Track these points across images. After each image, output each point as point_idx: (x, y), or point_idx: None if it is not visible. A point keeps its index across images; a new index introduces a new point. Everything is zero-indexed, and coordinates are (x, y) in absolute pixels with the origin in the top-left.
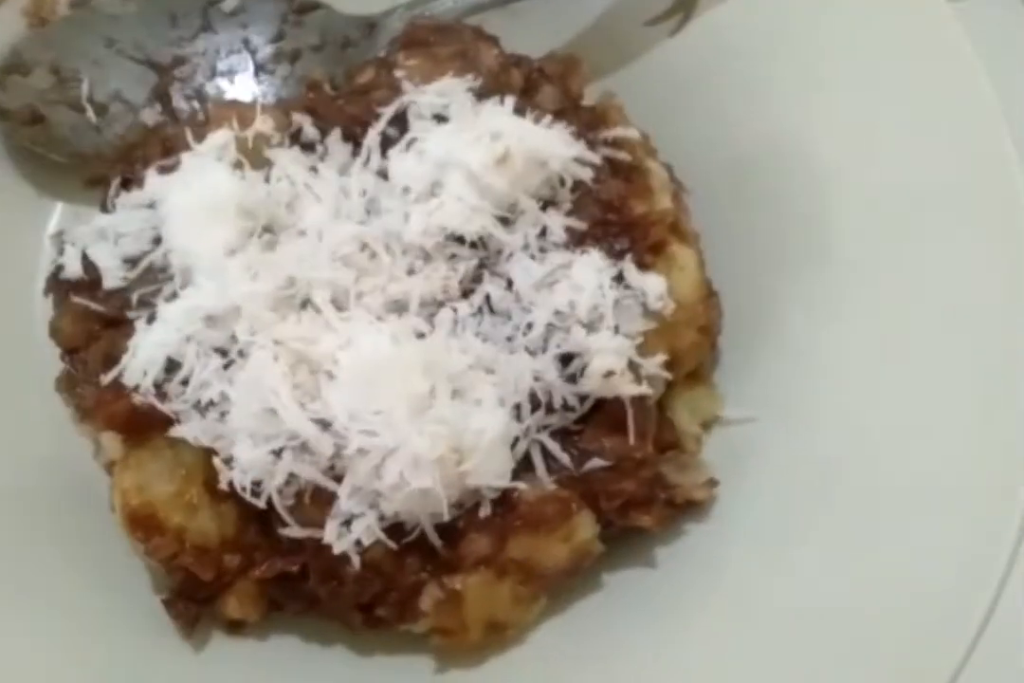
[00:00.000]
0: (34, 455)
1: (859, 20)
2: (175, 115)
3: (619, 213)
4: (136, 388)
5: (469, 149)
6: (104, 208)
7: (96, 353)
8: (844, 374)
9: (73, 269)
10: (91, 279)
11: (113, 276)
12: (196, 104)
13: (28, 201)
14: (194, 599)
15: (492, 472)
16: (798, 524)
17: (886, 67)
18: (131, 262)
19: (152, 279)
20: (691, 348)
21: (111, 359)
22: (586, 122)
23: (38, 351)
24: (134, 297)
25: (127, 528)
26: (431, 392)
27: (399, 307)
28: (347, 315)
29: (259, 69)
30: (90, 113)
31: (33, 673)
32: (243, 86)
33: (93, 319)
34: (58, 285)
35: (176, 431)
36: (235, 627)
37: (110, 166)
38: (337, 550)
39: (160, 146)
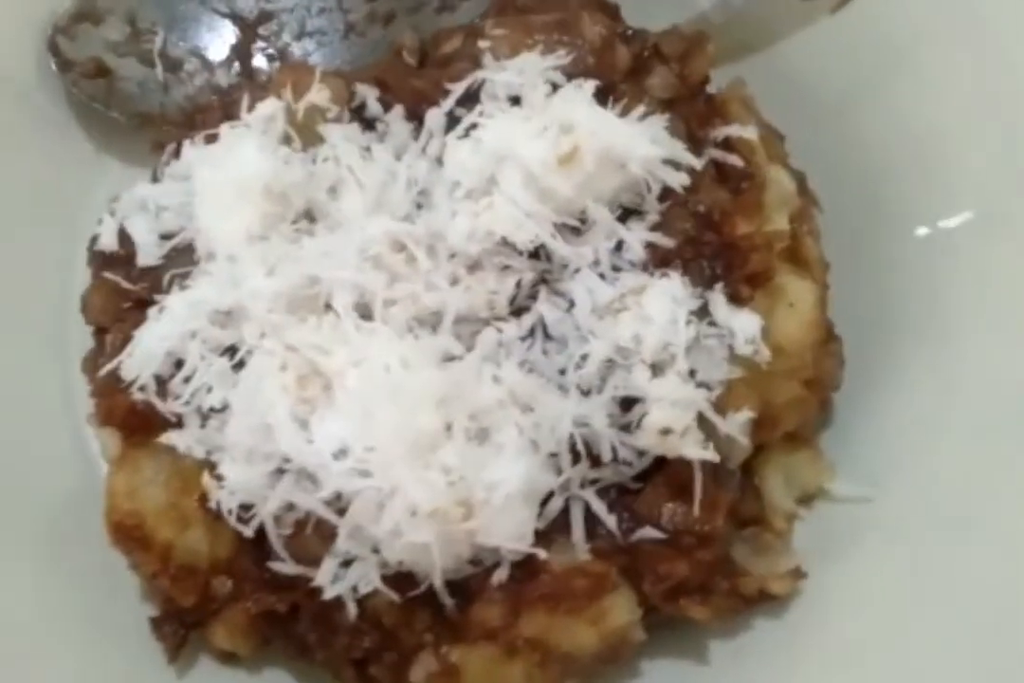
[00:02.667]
0: (45, 450)
1: None
2: (253, 77)
3: (719, 232)
4: (133, 383)
5: (530, 142)
6: (154, 177)
7: (118, 336)
8: (983, 452)
9: (108, 241)
10: (127, 253)
11: (147, 252)
12: (276, 66)
13: (84, 160)
14: (183, 622)
15: (506, 533)
16: (896, 638)
17: None
18: (168, 238)
19: (186, 260)
20: (791, 405)
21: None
22: (701, 115)
23: (75, 326)
24: (166, 278)
25: (111, 537)
26: (447, 430)
27: (433, 321)
28: (371, 326)
29: (349, 30)
30: (159, 69)
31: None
32: (330, 49)
33: (123, 297)
34: (94, 256)
35: (168, 437)
36: (227, 657)
37: (174, 130)
38: (329, 595)
39: (222, 111)
